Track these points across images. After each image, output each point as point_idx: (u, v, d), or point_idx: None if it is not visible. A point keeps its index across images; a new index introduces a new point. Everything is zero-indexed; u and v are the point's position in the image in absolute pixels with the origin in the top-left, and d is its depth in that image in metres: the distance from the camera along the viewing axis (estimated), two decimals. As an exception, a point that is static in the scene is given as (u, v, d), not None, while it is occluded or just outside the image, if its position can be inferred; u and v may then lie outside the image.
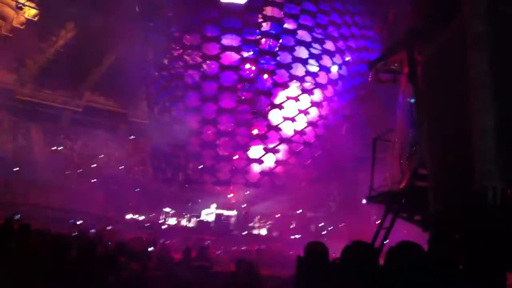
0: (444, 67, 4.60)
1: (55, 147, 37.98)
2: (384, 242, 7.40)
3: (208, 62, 30.24)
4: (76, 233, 14.09)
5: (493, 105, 4.10)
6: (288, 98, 30.02)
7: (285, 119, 29.81)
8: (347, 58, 31.64)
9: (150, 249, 11.94)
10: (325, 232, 30.94)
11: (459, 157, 4.25)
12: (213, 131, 30.03)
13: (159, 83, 32.20)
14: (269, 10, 30.34)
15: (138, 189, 35.74)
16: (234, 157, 29.63)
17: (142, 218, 32.55)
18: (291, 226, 31.86)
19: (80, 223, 17.61)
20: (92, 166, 37.82)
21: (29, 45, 34.05)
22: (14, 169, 32.49)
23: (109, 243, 12.59)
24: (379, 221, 8.16)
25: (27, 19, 34.02)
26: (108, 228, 16.29)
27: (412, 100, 6.60)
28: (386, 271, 3.44)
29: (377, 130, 10.30)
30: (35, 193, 31.23)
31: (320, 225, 32.59)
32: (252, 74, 30.70)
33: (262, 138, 29.77)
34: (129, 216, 32.48)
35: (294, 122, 29.99)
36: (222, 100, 29.56)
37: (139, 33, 31.85)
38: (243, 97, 30.29)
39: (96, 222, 21.25)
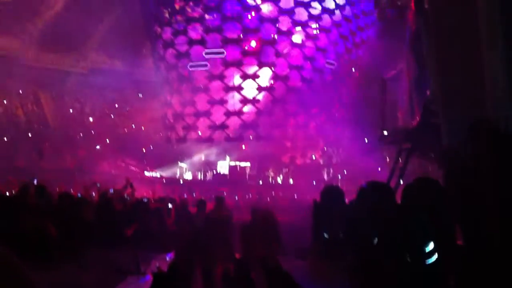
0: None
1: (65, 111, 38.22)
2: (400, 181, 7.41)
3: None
4: (94, 194, 14.25)
5: (504, 32, 3.99)
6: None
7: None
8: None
9: (169, 206, 12.04)
10: (340, 176, 31.09)
11: (471, 89, 4.17)
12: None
13: (163, 39, 31.86)
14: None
15: (152, 147, 36.02)
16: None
17: (159, 174, 32.92)
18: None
19: (98, 184, 17.80)
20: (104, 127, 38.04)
21: (29, 10, 33.65)
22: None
23: (128, 199, 12.74)
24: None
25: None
26: (128, 185, 16.41)
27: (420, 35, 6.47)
28: (403, 209, 3.42)
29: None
30: (50, 157, 31.58)
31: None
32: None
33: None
34: (147, 173, 32.86)
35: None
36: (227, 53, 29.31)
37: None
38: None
39: (114, 181, 21.49)
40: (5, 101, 36.04)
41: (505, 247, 3.31)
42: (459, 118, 4.27)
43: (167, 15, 31.55)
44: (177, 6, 31.08)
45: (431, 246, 3.17)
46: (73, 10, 33.67)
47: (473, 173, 3.77)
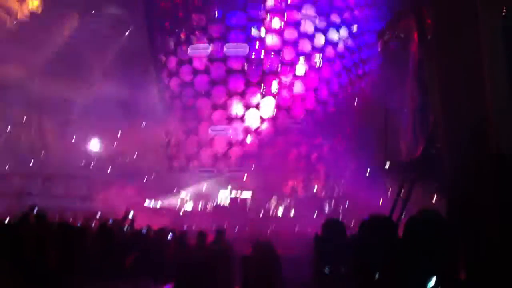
0: (455, 28, 4.49)
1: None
2: (403, 214, 7.30)
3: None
4: (94, 223, 14.17)
5: (507, 62, 4.01)
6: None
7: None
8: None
9: (169, 236, 11.92)
10: (342, 209, 30.84)
11: (474, 117, 4.15)
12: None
13: (168, 68, 32.16)
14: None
15: (153, 176, 35.89)
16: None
17: (159, 204, 32.69)
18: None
19: (98, 214, 17.76)
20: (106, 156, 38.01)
21: (35, 38, 33.98)
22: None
23: (128, 229, 12.65)
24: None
25: (31, 12, 33.94)
26: (128, 216, 16.33)
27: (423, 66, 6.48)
28: (406, 242, 3.34)
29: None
30: (52, 185, 31.52)
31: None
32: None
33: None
34: (147, 203, 32.64)
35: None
36: (230, 83, 29.55)
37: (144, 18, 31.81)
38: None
39: (114, 211, 21.39)
40: (8, 129, 36.11)
41: (507, 270, 3.23)
42: (461, 145, 4.23)
43: (172, 44, 31.92)
44: (182, 36, 31.47)
45: (433, 281, 3.09)
46: (78, 38, 33.99)
47: (475, 196, 3.72)
